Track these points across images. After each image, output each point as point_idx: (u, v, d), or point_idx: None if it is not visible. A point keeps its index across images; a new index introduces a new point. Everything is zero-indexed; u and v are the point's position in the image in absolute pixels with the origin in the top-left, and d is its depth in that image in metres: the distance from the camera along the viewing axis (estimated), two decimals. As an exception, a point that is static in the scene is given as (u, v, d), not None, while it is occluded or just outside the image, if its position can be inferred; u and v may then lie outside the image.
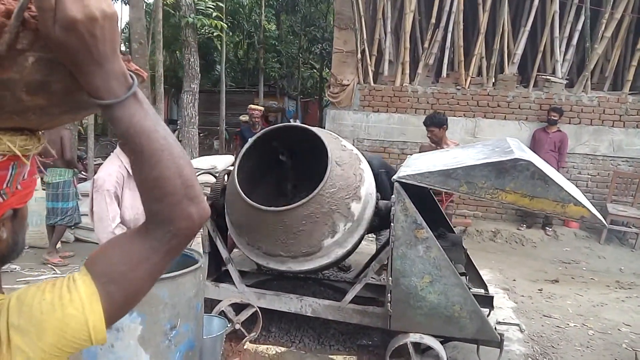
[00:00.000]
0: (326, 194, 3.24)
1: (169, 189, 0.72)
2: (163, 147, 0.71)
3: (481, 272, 4.27)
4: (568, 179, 7.59)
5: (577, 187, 7.56)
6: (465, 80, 8.38)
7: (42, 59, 0.66)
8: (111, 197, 2.82)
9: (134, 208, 2.96)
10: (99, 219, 2.84)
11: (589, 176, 7.91)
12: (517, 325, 4.37)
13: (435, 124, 5.28)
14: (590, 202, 7.58)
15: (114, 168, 2.88)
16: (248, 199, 3.29)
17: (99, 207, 2.84)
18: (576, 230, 7.62)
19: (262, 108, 7.48)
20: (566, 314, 4.77)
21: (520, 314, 4.69)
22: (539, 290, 5.44)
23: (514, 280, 5.77)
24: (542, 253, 7.16)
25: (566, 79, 8.26)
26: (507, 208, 8.05)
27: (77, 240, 6.53)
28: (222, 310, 3.66)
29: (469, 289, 3.51)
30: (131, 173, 2.90)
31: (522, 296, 5.22)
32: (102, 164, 8.70)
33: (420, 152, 5.54)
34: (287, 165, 4.25)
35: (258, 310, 3.74)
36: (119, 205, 2.87)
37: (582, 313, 4.82)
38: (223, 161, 7.14)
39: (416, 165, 3.50)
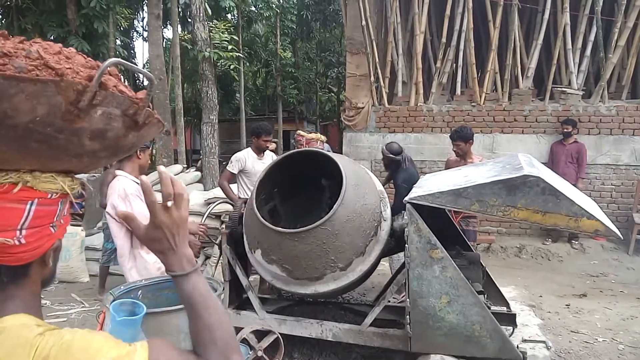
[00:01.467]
0: (334, 225, 3.28)
1: (219, 335, 0.96)
2: (215, 304, 0.99)
3: (506, 289, 4.24)
4: (592, 190, 7.57)
5: (601, 197, 7.55)
6: (480, 96, 8.40)
7: (106, 112, 0.84)
8: (136, 200, 2.97)
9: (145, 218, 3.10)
10: (145, 217, 2.95)
11: (613, 186, 7.77)
12: (544, 342, 4.29)
13: (462, 138, 5.32)
14: (616, 213, 7.48)
15: (127, 181, 3.07)
16: (267, 223, 3.35)
17: (139, 208, 2.92)
18: (603, 242, 7.46)
19: (309, 135, 7.03)
20: (595, 329, 4.67)
21: (547, 331, 4.61)
22: (566, 305, 5.34)
23: (540, 296, 5.68)
24: (569, 267, 7.03)
25: (583, 90, 8.22)
26: (529, 222, 7.94)
27: (104, 273, 6.68)
28: (244, 338, 3.70)
29: (489, 307, 3.49)
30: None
31: (549, 312, 5.13)
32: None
33: (446, 165, 5.79)
34: (305, 192, 4.33)
35: (280, 336, 3.76)
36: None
37: (611, 327, 4.71)
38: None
39: (427, 186, 3.54)
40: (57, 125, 0.78)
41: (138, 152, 3.20)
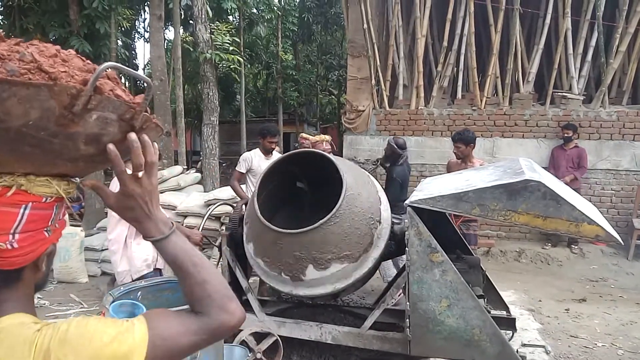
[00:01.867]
0: (343, 217, 3.30)
1: (212, 289, 0.96)
2: (202, 260, 0.99)
3: (506, 294, 4.24)
4: (592, 195, 7.56)
5: (601, 203, 7.55)
6: (481, 100, 8.41)
7: (101, 116, 0.83)
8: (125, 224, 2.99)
9: None
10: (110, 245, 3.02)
11: (613, 191, 7.78)
12: (543, 347, 4.30)
13: (463, 140, 5.33)
14: (616, 218, 7.48)
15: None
16: (267, 222, 3.35)
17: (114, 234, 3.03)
18: (603, 247, 7.46)
19: (313, 137, 6.75)
20: (594, 334, 4.66)
21: (546, 335, 4.60)
22: (565, 310, 5.33)
23: (540, 300, 5.67)
24: (569, 272, 7.03)
25: (583, 95, 8.22)
26: (530, 226, 7.94)
27: (103, 273, 6.67)
28: (243, 340, 3.69)
29: (489, 311, 3.49)
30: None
31: (548, 317, 5.12)
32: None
33: (447, 167, 5.80)
34: (305, 192, 4.32)
35: (279, 338, 3.76)
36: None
37: (610, 332, 4.71)
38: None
39: (428, 189, 3.53)
40: (51, 129, 0.78)
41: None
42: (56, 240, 0.95)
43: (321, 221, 3.26)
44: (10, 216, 0.83)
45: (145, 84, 0.95)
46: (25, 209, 0.84)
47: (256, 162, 5.42)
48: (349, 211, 3.34)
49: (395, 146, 5.77)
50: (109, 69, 0.87)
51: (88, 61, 0.89)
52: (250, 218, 3.62)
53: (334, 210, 3.27)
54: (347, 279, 3.48)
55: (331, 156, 3.63)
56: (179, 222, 5.27)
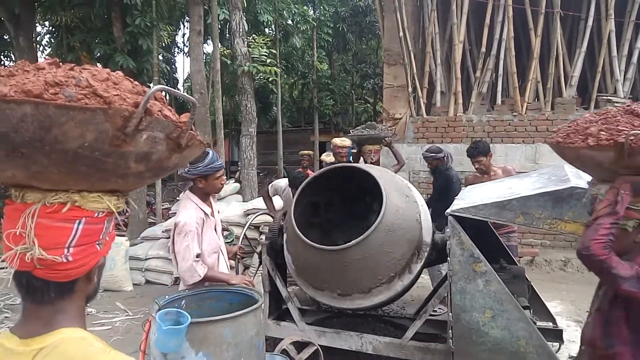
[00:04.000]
0: (383, 231, 3.28)
1: None
2: None
3: (551, 304, 4.11)
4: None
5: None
6: (522, 106, 8.22)
7: (151, 136, 0.88)
8: (193, 238, 3.01)
9: (213, 245, 3.22)
10: (182, 258, 3.03)
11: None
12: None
13: (482, 152, 5.07)
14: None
15: (192, 211, 3.10)
16: (307, 239, 3.36)
17: (181, 247, 3.02)
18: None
19: (348, 143, 6.10)
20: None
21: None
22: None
23: (587, 311, 5.45)
24: (593, 277, 6.73)
25: (629, 98, 7.94)
26: (577, 235, 7.68)
27: (147, 282, 6.85)
28: (284, 349, 3.71)
29: (534, 322, 3.39)
30: (208, 214, 3.09)
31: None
32: (169, 207, 9.14)
33: (467, 184, 5.39)
34: (345, 204, 4.34)
35: (319, 348, 3.76)
36: (200, 245, 3.08)
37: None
38: (281, 201, 7.31)
39: (470, 198, 3.48)
40: (104, 150, 0.82)
41: (197, 180, 3.10)
42: (106, 253, 0.99)
43: (360, 237, 3.25)
44: (66, 231, 0.87)
45: (190, 104, 0.99)
46: (79, 224, 0.89)
47: (287, 193, 5.53)
48: (388, 225, 3.31)
49: (433, 153, 5.73)
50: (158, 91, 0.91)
51: (136, 82, 0.93)
52: (289, 231, 3.65)
53: (373, 226, 3.25)
54: (389, 292, 3.46)
55: (370, 169, 3.62)
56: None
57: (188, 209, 3.10)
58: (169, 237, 3.34)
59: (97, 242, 0.93)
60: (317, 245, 3.35)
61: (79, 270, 0.91)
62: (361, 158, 5.82)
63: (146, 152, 0.89)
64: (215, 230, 3.27)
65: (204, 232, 3.12)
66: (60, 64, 0.88)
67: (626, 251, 1.88)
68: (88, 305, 1.06)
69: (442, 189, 5.64)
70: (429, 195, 6.41)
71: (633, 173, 1.78)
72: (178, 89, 23.75)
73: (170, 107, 0.96)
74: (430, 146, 6.21)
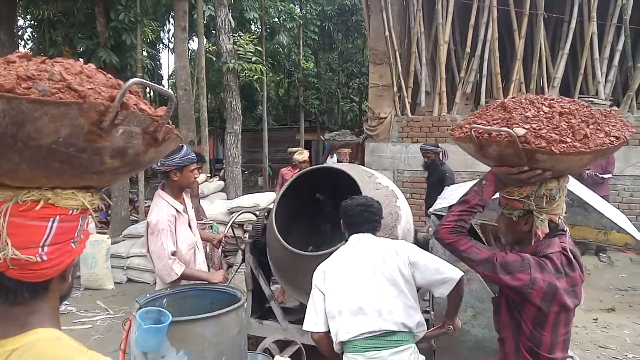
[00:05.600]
0: None
1: None
2: None
3: (530, 303, 4.15)
4: (620, 202, 7.38)
5: (630, 210, 7.36)
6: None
7: (127, 130, 0.86)
8: (166, 236, 2.97)
9: (188, 242, 3.15)
10: (157, 257, 2.99)
11: (643, 198, 7.58)
12: (571, 357, 4.18)
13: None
14: (645, 226, 7.28)
15: (163, 209, 3.04)
16: (286, 244, 3.35)
17: (155, 246, 2.98)
18: (632, 255, 7.26)
19: (306, 156, 7.00)
20: (624, 345, 4.54)
21: (574, 346, 4.49)
22: (594, 320, 5.20)
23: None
24: (597, 281, 6.85)
25: (610, 100, 8.06)
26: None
27: (129, 280, 6.78)
28: (267, 348, 3.71)
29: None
30: (180, 211, 3.02)
31: (576, 327, 5.00)
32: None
33: None
34: (325, 204, 4.33)
35: (302, 346, 3.76)
36: (174, 242, 3.03)
37: (641, 343, 4.58)
38: (265, 199, 7.30)
39: (453, 197, 3.50)
40: (79, 145, 0.80)
41: (172, 173, 3.06)
42: (81, 251, 0.97)
43: (339, 245, 3.25)
44: (40, 229, 0.85)
45: (167, 97, 0.97)
46: (53, 222, 0.86)
47: None
48: None
49: (432, 147, 6.01)
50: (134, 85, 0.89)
51: (110, 76, 0.91)
52: (269, 234, 3.63)
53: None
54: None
55: (349, 168, 3.62)
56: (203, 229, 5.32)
57: (159, 207, 3.05)
58: None
59: (72, 240, 0.91)
60: (294, 249, 3.33)
61: (54, 270, 0.89)
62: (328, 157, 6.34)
63: (122, 147, 0.87)
64: (189, 226, 3.22)
65: (177, 229, 3.06)
66: (31, 58, 0.86)
67: (518, 241, 1.94)
68: (63, 304, 1.04)
69: (437, 184, 5.79)
70: (412, 195, 6.54)
71: (498, 164, 1.82)
72: (162, 85, 23.54)
73: (146, 101, 0.95)
74: (425, 143, 6.55)
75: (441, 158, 6.07)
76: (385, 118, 8.99)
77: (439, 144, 6.19)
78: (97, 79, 0.87)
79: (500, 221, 2.00)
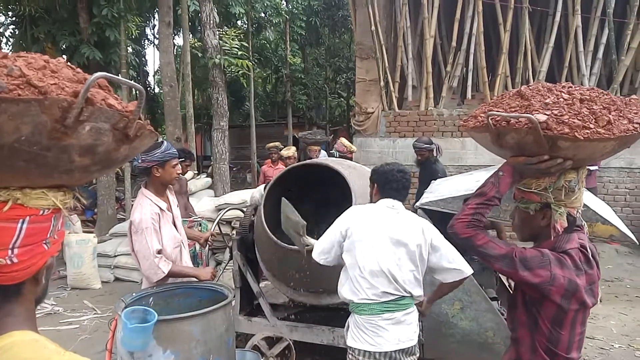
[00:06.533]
0: None
1: None
2: None
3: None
4: (605, 194, 7.47)
5: (615, 201, 7.45)
6: (492, 100, 8.34)
7: (94, 127, 0.83)
8: (150, 234, 2.92)
9: (173, 240, 3.09)
10: (143, 257, 2.93)
11: (627, 190, 7.68)
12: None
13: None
14: (630, 217, 7.37)
15: (146, 207, 2.98)
16: (275, 238, 3.34)
17: (140, 245, 2.92)
18: (617, 246, 7.35)
19: (292, 152, 7.12)
20: (610, 335, 4.59)
21: (561, 337, 4.54)
22: (580, 311, 5.26)
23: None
24: (583, 272, 6.94)
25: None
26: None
27: (116, 279, 6.72)
28: (256, 345, 3.69)
29: (502, 313, 3.45)
30: (164, 209, 2.97)
31: (563, 318, 5.05)
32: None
33: None
34: (312, 199, 4.31)
35: (291, 343, 3.75)
36: (159, 240, 2.98)
37: (627, 333, 4.64)
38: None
39: (439, 191, 3.51)
40: (43, 143, 0.77)
41: (153, 169, 2.99)
42: (56, 253, 0.94)
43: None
44: (8, 231, 0.82)
45: (137, 92, 0.94)
46: (22, 223, 0.84)
47: None
48: None
49: (426, 144, 5.93)
50: (100, 79, 0.86)
51: (78, 70, 0.88)
52: (258, 230, 3.61)
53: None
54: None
55: (339, 166, 3.60)
56: (191, 227, 5.27)
57: (142, 205, 2.99)
58: None
59: (44, 242, 0.88)
60: (284, 244, 3.32)
61: (26, 272, 0.86)
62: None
63: (90, 145, 0.84)
64: (174, 224, 3.17)
65: (161, 227, 3.01)
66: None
67: (535, 236, 1.87)
68: (50, 304, 1.02)
69: (428, 181, 5.75)
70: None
71: (516, 154, 1.74)
72: (148, 82, 23.32)
73: (116, 96, 0.91)
74: (418, 138, 6.46)
75: (435, 154, 5.94)
76: (372, 113, 8.99)
77: (432, 140, 6.11)
78: (63, 73, 0.83)
79: (515, 216, 1.90)
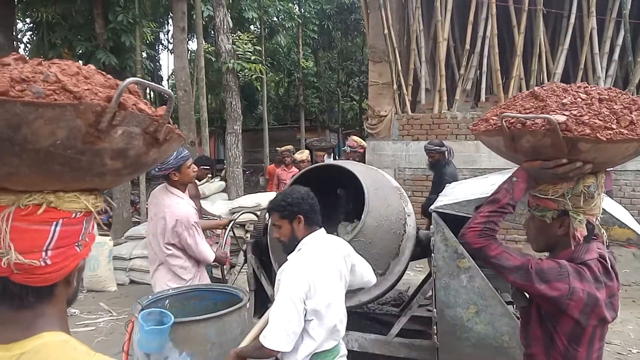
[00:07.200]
0: (367, 234, 3.26)
1: None
2: None
3: (533, 300, 4.14)
4: (622, 197, 7.37)
5: (632, 205, 7.35)
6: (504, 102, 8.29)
7: (126, 131, 0.85)
8: (198, 228, 3.41)
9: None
10: (200, 247, 3.41)
11: (645, 193, 7.57)
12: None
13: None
14: (648, 221, 7.25)
15: (186, 206, 3.35)
16: None
17: (193, 239, 3.33)
18: (635, 250, 7.25)
19: (306, 155, 7.39)
20: (628, 340, 4.53)
21: (578, 342, 4.48)
22: (597, 315, 5.19)
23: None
24: (600, 276, 6.85)
25: None
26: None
27: (132, 282, 6.78)
28: (270, 347, 3.69)
29: (518, 318, 3.42)
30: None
31: (580, 323, 4.99)
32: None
33: None
34: (339, 200, 4.33)
35: (305, 346, 3.75)
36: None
37: (645, 338, 4.57)
38: (267, 199, 7.29)
39: (454, 194, 3.49)
40: (78, 147, 0.79)
41: (171, 174, 3.23)
42: (87, 255, 0.96)
43: (354, 232, 3.24)
44: (43, 234, 0.84)
45: (166, 96, 0.96)
46: (56, 225, 0.86)
47: None
48: (373, 227, 3.29)
49: (437, 147, 5.87)
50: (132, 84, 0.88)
51: (109, 76, 0.90)
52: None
53: (355, 231, 3.23)
54: (373, 292, 3.46)
55: (353, 168, 3.60)
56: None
57: (180, 204, 3.30)
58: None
59: (76, 244, 0.90)
60: None
61: (59, 274, 0.88)
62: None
63: (122, 148, 0.86)
64: None
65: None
66: (27, 60, 0.85)
67: (552, 246, 1.77)
68: (70, 307, 1.04)
69: (438, 185, 5.72)
70: (413, 192, 6.51)
71: (531, 158, 1.64)
72: (162, 86, 23.53)
73: (146, 101, 0.93)
74: (430, 141, 6.39)
75: (446, 157, 5.87)
76: (385, 116, 8.98)
77: (444, 143, 6.07)
78: (95, 79, 0.86)
79: (530, 225, 1.79)
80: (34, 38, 11.62)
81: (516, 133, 1.58)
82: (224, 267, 4.73)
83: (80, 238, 0.91)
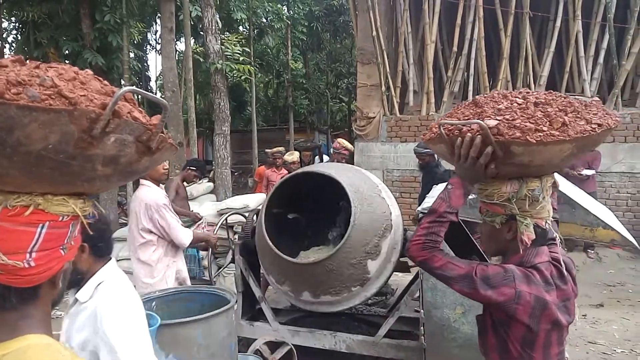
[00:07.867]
0: (352, 242, 3.26)
1: None
2: None
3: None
4: (607, 199, 7.47)
5: (616, 206, 7.45)
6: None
7: (119, 138, 0.85)
8: (168, 209, 3.57)
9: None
10: (173, 227, 3.54)
11: (629, 194, 7.67)
12: (560, 354, 4.23)
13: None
14: (632, 221, 7.36)
15: (156, 190, 3.57)
16: (277, 250, 3.33)
17: (165, 220, 3.48)
18: (619, 251, 7.35)
19: (296, 157, 7.49)
20: (612, 340, 4.59)
21: (563, 342, 4.53)
22: (582, 315, 5.25)
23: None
24: (585, 277, 6.91)
25: (596, 98, 8.15)
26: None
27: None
28: (257, 349, 3.69)
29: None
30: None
31: (565, 323, 5.05)
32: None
33: None
34: (314, 205, 4.33)
35: (293, 347, 3.75)
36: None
37: (629, 338, 4.63)
38: (255, 200, 7.27)
39: (441, 196, 3.51)
40: (69, 152, 0.80)
41: None
42: (72, 258, 0.96)
43: (330, 252, 3.26)
44: (28, 235, 0.84)
45: (161, 106, 0.96)
46: (42, 228, 0.86)
47: None
48: (359, 233, 3.29)
49: (427, 149, 5.82)
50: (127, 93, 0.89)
51: (105, 82, 0.91)
52: (261, 239, 3.60)
53: (341, 243, 3.23)
54: (360, 296, 3.48)
55: (336, 175, 3.57)
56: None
57: (150, 190, 3.55)
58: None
59: (61, 247, 0.90)
60: (286, 257, 3.33)
61: (42, 276, 0.88)
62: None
63: (114, 155, 0.86)
64: None
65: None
66: (25, 62, 0.85)
67: (503, 251, 1.77)
68: (56, 309, 1.03)
69: (428, 187, 5.70)
70: (401, 194, 6.50)
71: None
72: (150, 87, 23.39)
73: (141, 109, 0.94)
74: (422, 142, 6.27)
75: (436, 159, 5.87)
76: (374, 118, 9.02)
77: None
78: (92, 85, 0.86)
79: (483, 230, 1.80)
80: (20, 37, 11.48)
81: (454, 139, 1.61)
82: (209, 253, 4.78)
83: (65, 241, 0.91)
